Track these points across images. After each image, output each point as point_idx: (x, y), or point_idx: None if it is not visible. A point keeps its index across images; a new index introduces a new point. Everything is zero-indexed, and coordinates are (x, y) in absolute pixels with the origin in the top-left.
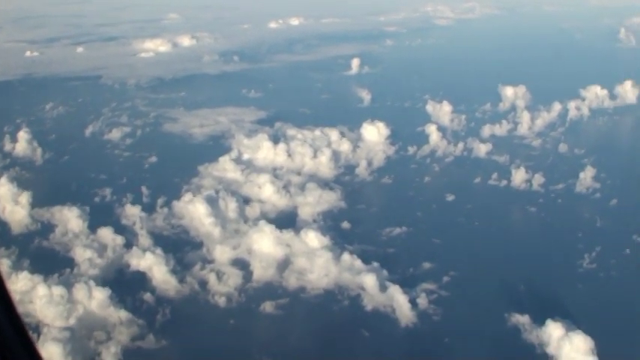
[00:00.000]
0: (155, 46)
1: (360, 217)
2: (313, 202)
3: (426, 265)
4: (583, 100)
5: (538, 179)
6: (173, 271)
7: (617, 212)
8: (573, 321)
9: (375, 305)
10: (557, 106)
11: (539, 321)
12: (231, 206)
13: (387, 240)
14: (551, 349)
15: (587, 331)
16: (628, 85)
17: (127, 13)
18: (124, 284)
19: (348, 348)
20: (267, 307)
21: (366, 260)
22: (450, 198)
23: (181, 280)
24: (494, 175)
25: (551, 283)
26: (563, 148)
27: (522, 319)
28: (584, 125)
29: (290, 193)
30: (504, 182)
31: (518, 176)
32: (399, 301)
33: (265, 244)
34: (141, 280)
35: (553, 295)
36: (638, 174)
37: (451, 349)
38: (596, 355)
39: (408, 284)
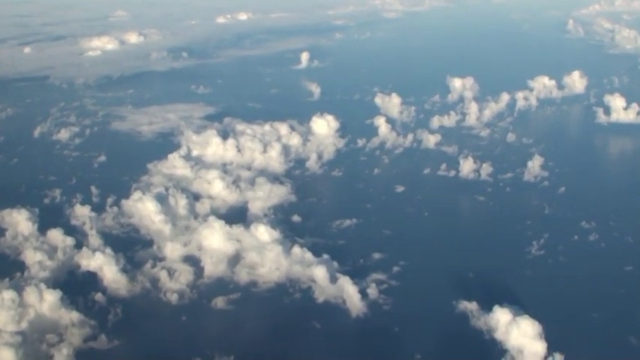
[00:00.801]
0: (102, 44)
1: (310, 210)
2: (263, 197)
3: (376, 255)
4: (531, 90)
5: (486, 169)
6: (124, 270)
7: (565, 200)
8: (521, 306)
9: (326, 297)
10: (505, 97)
11: (488, 307)
12: (181, 203)
13: (337, 232)
14: (499, 335)
15: (536, 316)
16: (576, 75)
17: (74, 12)
18: (75, 285)
19: (301, 340)
20: (219, 302)
21: (316, 253)
22: (400, 189)
23: (132, 279)
24: (443, 166)
25: (499, 270)
26: (511, 137)
27: (470, 306)
28: (532, 115)
29: (240, 189)
30: (453, 172)
31: (467, 166)
32: (349, 292)
33: (216, 239)
34: (92, 280)
35: (501, 282)
36: (586, 162)
37: (401, 338)
38: (544, 339)
39: (358, 275)
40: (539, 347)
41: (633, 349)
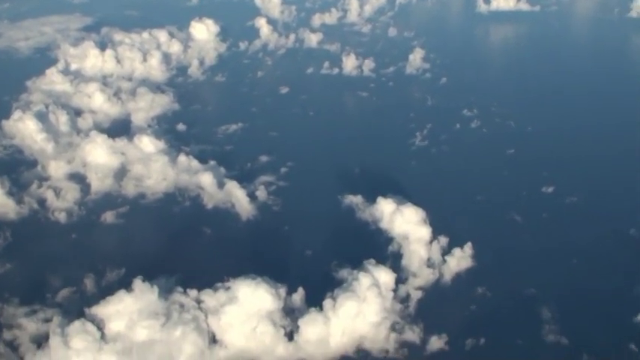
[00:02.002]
0: None
1: (195, 117)
2: (146, 107)
3: (264, 158)
4: None
5: (369, 64)
6: (10, 193)
7: (446, 90)
8: (405, 196)
9: (215, 203)
10: None
11: (373, 200)
12: (62, 119)
13: (223, 138)
14: (384, 224)
15: (420, 204)
16: None
17: None
18: None
19: (192, 247)
20: (108, 217)
21: (203, 160)
22: (284, 90)
23: (19, 201)
24: (326, 64)
25: (384, 163)
26: (392, 32)
27: (356, 200)
28: (413, 8)
29: (121, 100)
30: (336, 70)
31: (349, 63)
32: (237, 196)
33: (100, 154)
34: None
35: (386, 174)
36: (467, 52)
37: (291, 236)
38: (429, 225)
39: (246, 179)
40: (424, 232)
41: (516, 225)
